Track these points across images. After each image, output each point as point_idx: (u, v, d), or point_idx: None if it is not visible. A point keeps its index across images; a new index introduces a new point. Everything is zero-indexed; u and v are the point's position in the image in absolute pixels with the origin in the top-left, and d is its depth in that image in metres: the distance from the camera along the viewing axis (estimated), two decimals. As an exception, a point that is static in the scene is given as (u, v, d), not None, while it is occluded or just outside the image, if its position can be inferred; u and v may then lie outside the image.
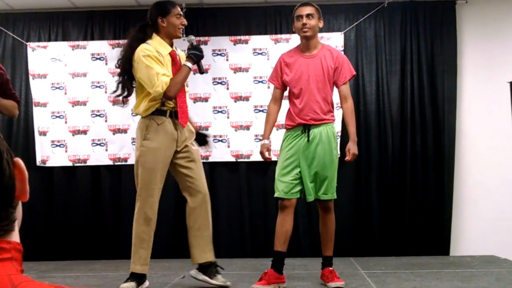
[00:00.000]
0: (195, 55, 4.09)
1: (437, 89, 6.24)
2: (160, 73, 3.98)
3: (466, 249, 6.15)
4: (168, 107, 4.14)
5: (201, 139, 4.46)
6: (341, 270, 4.62)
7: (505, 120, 5.93)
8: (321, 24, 4.40)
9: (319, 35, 5.92)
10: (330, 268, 4.33)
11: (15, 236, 0.90)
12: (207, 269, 4.22)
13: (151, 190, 4.10)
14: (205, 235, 4.23)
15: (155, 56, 4.02)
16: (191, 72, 4.21)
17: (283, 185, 4.24)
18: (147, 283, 4.15)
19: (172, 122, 4.15)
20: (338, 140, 5.98)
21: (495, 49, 6.31)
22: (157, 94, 4.00)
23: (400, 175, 6.20)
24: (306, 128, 4.26)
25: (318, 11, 4.36)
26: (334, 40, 6.18)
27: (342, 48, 6.25)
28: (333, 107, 4.39)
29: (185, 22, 4.21)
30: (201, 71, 4.14)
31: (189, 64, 4.08)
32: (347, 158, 4.34)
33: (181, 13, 4.23)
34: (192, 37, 4.19)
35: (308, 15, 4.31)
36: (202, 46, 5.74)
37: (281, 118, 4.57)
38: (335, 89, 4.44)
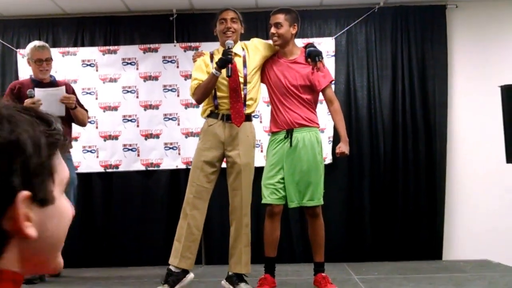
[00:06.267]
0: (220, 60, 4.16)
1: (428, 93, 6.25)
2: (193, 78, 4.39)
3: (459, 253, 6.15)
4: (221, 110, 4.32)
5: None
6: (334, 276, 4.60)
7: (496, 124, 5.93)
8: (294, 30, 4.37)
9: (311, 40, 5.96)
10: (323, 274, 4.32)
11: (7, 262, 0.81)
12: (231, 278, 4.36)
13: (191, 187, 4.33)
14: (238, 247, 4.34)
15: (203, 60, 4.40)
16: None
17: (269, 191, 4.27)
18: (189, 277, 4.30)
19: (222, 125, 4.31)
20: (330, 145, 6.00)
21: (486, 53, 6.33)
22: (191, 97, 4.51)
23: (392, 180, 6.20)
24: (289, 133, 4.27)
25: (290, 18, 4.35)
26: (325, 45, 6.18)
27: (333, 53, 6.26)
28: (315, 112, 4.40)
29: (228, 25, 4.32)
30: (227, 74, 4.16)
31: (213, 71, 4.19)
32: (336, 152, 4.40)
33: (226, 17, 4.34)
34: (229, 42, 4.22)
35: (276, 24, 4.33)
36: (193, 52, 5.73)
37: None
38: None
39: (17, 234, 0.81)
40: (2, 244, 0.80)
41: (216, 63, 4.18)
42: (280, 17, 4.34)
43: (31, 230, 0.81)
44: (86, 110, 5.28)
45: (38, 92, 4.89)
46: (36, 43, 5.17)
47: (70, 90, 5.16)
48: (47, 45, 5.22)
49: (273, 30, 4.34)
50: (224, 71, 4.16)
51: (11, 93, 5.00)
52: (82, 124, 5.25)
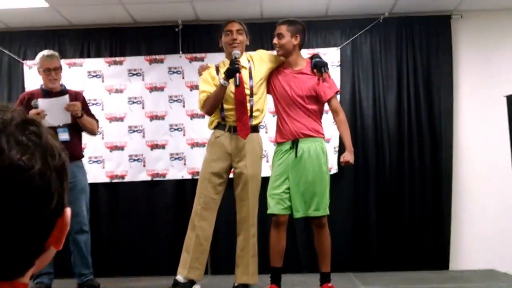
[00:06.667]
0: (227, 70, 4.19)
1: (433, 103, 6.25)
2: (201, 90, 4.36)
3: (465, 263, 6.12)
4: (228, 122, 4.35)
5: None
6: (340, 286, 4.59)
7: (502, 133, 5.93)
8: (296, 41, 4.38)
9: (316, 50, 5.97)
10: (329, 284, 4.32)
11: (24, 277, 0.83)
12: None
13: (199, 198, 4.36)
14: (245, 258, 4.36)
15: (209, 73, 4.41)
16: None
17: (274, 201, 4.27)
18: None
19: (229, 137, 4.34)
20: (336, 155, 6.00)
21: (491, 62, 6.32)
22: (200, 110, 4.56)
23: (398, 190, 6.18)
24: (294, 143, 4.27)
25: (293, 29, 4.37)
26: (330, 55, 6.19)
27: (339, 63, 6.27)
28: (320, 123, 4.41)
29: (234, 36, 4.35)
30: (235, 84, 4.20)
31: (222, 81, 4.21)
32: (341, 161, 4.42)
33: (231, 29, 4.37)
34: (235, 52, 4.26)
35: (278, 35, 4.37)
36: (198, 63, 5.76)
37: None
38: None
39: (51, 246, 0.85)
40: (35, 259, 0.83)
41: (224, 73, 4.20)
42: (282, 28, 4.37)
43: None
44: (97, 120, 5.29)
45: (42, 103, 4.91)
46: (45, 52, 5.17)
47: (80, 99, 5.14)
48: (56, 54, 5.21)
49: (275, 40, 4.39)
50: (231, 81, 4.19)
51: (20, 104, 5.01)
52: (91, 133, 5.24)
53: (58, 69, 5.08)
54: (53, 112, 4.88)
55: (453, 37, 6.35)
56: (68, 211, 0.86)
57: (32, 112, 4.75)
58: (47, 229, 0.82)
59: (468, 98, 6.33)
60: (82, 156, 5.32)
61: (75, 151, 5.04)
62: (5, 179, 0.76)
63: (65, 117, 4.95)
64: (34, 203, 0.78)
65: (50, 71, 5.02)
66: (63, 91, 5.10)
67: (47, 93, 5.04)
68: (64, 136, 4.91)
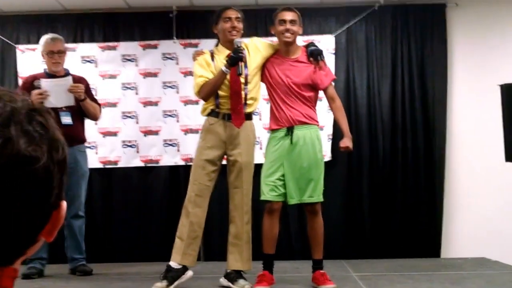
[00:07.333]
0: (231, 58, 4.15)
1: (427, 92, 6.26)
2: (197, 75, 4.29)
3: (457, 251, 6.15)
4: (222, 109, 4.33)
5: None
6: (332, 273, 4.61)
7: (495, 123, 5.93)
8: (300, 31, 4.44)
9: (310, 37, 5.96)
10: (321, 271, 4.34)
11: (14, 264, 0.83)
12: (230, 275, 4.39)
13: (193, 185, 4.36)
14: (239, 245, 4.37)
15: (204, 59, 4.35)
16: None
17: (268, 187, 4.28)
18: (188, 273, 4.35)
19: (223, 124, 4.32)
20: (330, 143, 6.01)
21: (485, 51, 6.33)
22: (195, 95, 4.49)
23: (391, 178, 6.20)
24: (289, 130, 4.27)
25: (299, 18, 4.41)
26: (325, 43, 6.17)
27: (333, 51, 6.26)
28: (315, 110, 4.43)
29: (235, 24, 4.32)
30: (237, 72, 4.18)
31: (223, 68, 4.17)
32: (340, 146, 4.42)
33: (231, 16, 4.33)
34: (238, 40, 4.24)
35: (291, 21, 4.36)
36: (192, 49, 5.73)
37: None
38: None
39: (42, 237, 0.84)
40: (27, 249, 0.83)
41: (227, 61, 4.17)
42: (295, 15, 4.39)
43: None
44: (99, 105, 5.29)
45: (45, 83, 4.91)
46: (49, 35, 5.18)
47: (84, 84, 5.14)
48: (60, 37, 5.20)
49: (288, 26, 4.34)
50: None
51: (24, 87, 5.01)
52: (94, 117, 5.24)
53: (62, 52, 5.08)
54: (56, 93, 4.88)
55: (448, 26, 6.34)
56: (64, 204, 0.85)
57: (35, 92, 4.75)
58: (43, 222, 0.82)
59: (462, 86, 6.34)
60: (85, 140, 5.33)
61: (77, 135, 5.06)
62: (11, 169, 0.74)
63: (68, 99, 4.95)
64: (35, 197, 0.78)
65: (54, 54, 5.02)
66: (66, 75, 5.09)
67: (50, 76, 5.04)
68: (67, 119, 4.92)
